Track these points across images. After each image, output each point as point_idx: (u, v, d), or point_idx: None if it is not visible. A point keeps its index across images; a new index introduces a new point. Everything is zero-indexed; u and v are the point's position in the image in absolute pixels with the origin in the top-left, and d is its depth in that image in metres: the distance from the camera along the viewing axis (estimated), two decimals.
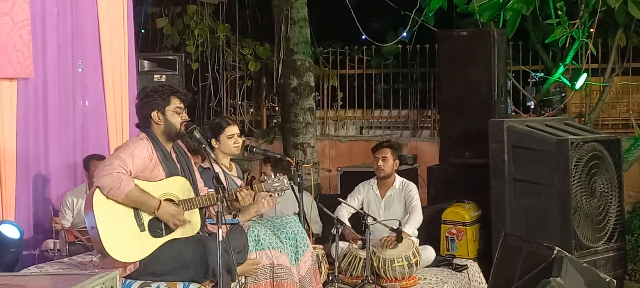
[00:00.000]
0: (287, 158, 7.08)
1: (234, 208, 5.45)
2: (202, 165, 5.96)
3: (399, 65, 13.56)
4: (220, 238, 4.82)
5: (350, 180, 9.04)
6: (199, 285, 5.12)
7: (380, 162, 7.65)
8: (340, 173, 10.19)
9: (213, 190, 5.09)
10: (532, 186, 8.24)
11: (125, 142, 5.44)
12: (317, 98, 12.84)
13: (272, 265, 5.50)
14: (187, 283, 5.09)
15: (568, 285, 5.42)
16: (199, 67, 13.48)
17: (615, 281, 6.06)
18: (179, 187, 5.21)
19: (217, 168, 5.10)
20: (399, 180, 7.77)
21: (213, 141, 6.18)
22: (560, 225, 7.97)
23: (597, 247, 8.19)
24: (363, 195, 7.77)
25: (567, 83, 11.70)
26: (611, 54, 11.93)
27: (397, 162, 7.78)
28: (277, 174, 5.43)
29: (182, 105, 5.32)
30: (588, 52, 11.71)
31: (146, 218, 5.05)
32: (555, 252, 6.02)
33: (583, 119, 11.67)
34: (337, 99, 13.78)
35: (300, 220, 6.07)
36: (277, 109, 13.60)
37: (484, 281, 7.80)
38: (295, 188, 6.82)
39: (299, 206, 6.68)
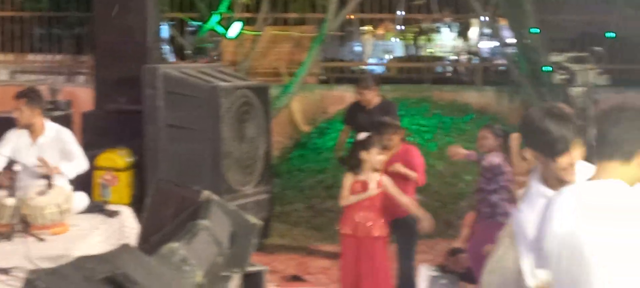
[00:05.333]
0: None
1: None
2: None
3: (55, 8, 13.16)
4: None
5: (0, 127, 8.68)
6: None
7: (16, 113, 7.40)
8: None
9: None
10: (186, 132, 8.40)
11: None
12: None
13: None
14: None
15: (215, 227, 5.61)
16: None
17: (261, 222, 6.35)
18: None
19: None
20: (51, 126, 7.56)
21: None
22: (212, 169, 8.22)
23: (246, 191, 8.55)
24: (13, 142, 7.50)
25: (222, 31, 12.02)
26: (263, 4, 12.41)
27: (39, 110, 7.46)
28: None
29: None
30: (242, 1, 12.10)
31: None
32: (203, 195, 6.20)
33: (237, 67, 12.06)
34: None
35: None
36: None
37: (137, 226, 7.85)
38: None
39: None
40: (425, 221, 7.18)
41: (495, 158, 7.27)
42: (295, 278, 8.56)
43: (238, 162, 8.44)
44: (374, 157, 7.00)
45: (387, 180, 7.06)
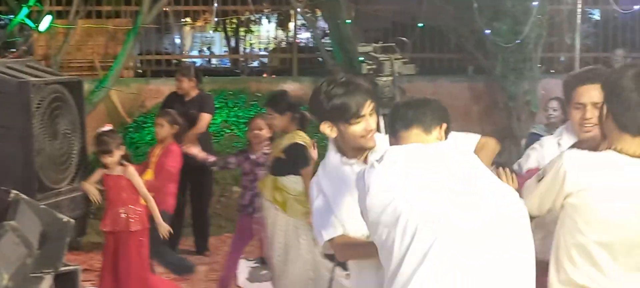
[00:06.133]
0: None
1: None
2: None
3: None
4: None
5: None
6: None
7: None
8: None
9: None
10: None
11: None
12: None
13: None
14: None
15: (24, 228, 5.46)
16: None
17: (73, 220, 6.20)
18: None
19: None
20: None
21: None
22: (23, 168, 7.96)
23: (60, 188, 8.34)
24: None
25: (32, 25, 11.66)
26: None
27: None
28: None
29: None
30: None
31: None
32: (11, 195, 6.02)
33: (49, 61, 11.73)
34: None
35: None
36: None
37: None
38: None
39: None
40: (161, 228, 7.03)
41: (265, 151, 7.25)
42: None
43: (51, 160, 8.23)
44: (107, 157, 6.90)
45: (132, 171, 6.95)
